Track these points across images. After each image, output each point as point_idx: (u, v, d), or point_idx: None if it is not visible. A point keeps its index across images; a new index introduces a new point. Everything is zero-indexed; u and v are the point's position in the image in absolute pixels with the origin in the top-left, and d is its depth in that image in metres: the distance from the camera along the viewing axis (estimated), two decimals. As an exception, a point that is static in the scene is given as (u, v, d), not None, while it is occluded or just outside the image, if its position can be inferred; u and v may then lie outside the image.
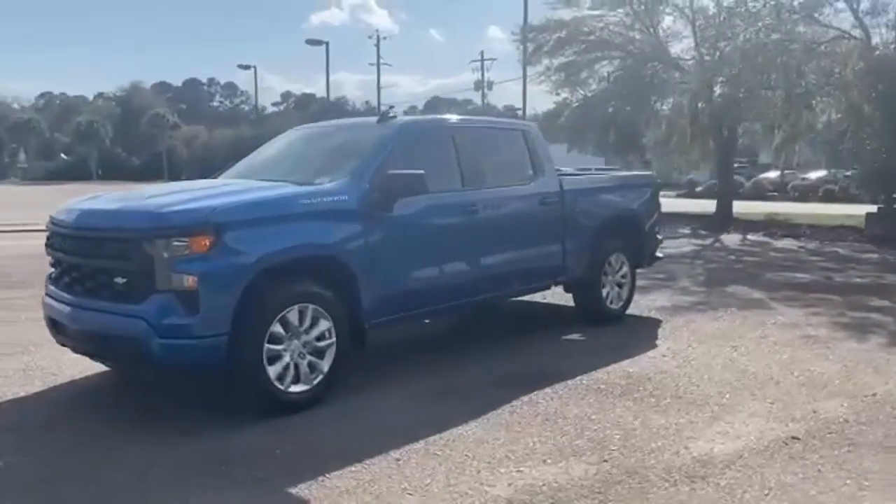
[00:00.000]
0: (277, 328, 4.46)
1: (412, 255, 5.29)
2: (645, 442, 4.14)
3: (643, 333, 6.71)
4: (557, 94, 22.28)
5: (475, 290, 5.85)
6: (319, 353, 4.69)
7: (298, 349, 4.59)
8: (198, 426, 4.38)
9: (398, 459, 3.90)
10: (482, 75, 60.88)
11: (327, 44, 37.88)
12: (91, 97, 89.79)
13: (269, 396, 4.46)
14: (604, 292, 7.06)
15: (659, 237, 7.98)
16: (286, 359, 4.52)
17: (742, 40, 16.91)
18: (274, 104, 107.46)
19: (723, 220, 19.29)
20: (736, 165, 44.61)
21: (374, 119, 6.06)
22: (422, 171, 5.06)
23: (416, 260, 5.32)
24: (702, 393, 5.02)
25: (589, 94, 21.38)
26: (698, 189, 32.67)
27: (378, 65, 47.63)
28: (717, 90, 18.99)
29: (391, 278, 5.12)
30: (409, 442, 4.11)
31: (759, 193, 32.06)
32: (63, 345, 4.81)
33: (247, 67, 49.48)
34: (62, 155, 73.85)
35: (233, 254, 4.27)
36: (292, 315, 4.53)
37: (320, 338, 4.68)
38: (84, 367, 5.34)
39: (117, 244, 4.40)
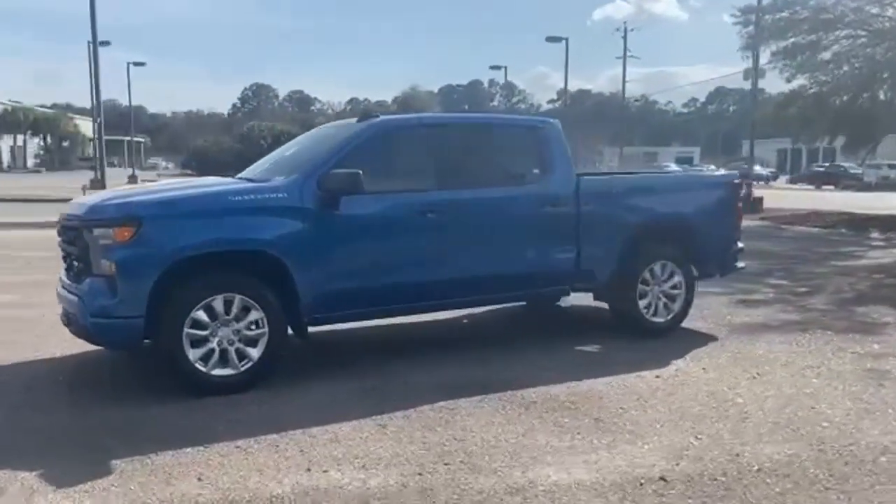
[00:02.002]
0: (200, 314, 4.81)
1: (360, 253, 5.32)
2: (492, 461, 3.84)
3: (672, 351, 5.98)
4: (788, 80, 20.04)
5: (444, 293, 5.67)
6: (251, 342, 4.97)
7: (228, 336, 4.90)
8: (137, 398, 4.85)
9: (238, 447, 4.04)
10: (753, 63, 56.30)
11: (566, 39, 38.10)
12: (389, 101, 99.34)
13: (190, 377, 4.82)
14: (642, 303, 6.43)
15: (739, 244, 7.01)
16: (212, 344, 4.86)
17: None
18: (549, 101, 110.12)
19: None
20: None
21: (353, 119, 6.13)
22: (358, 171, 5.08)
23: (364, 259, 5.33)
24: (634, 419, 4.46)
25: (822, 78, 18.89)
26: None
27: (624, 58, 46.60)
28: None
29: (334, 275, 5.19)
30: (271, 433, 4.23)
31: None
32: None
33: (497, 68, 50.98)
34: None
35: (149, 244, 4.70)
36: (217, 303, 4.85)
37: (251, 327, 4.97)
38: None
39: (72, 233, 5.09)
